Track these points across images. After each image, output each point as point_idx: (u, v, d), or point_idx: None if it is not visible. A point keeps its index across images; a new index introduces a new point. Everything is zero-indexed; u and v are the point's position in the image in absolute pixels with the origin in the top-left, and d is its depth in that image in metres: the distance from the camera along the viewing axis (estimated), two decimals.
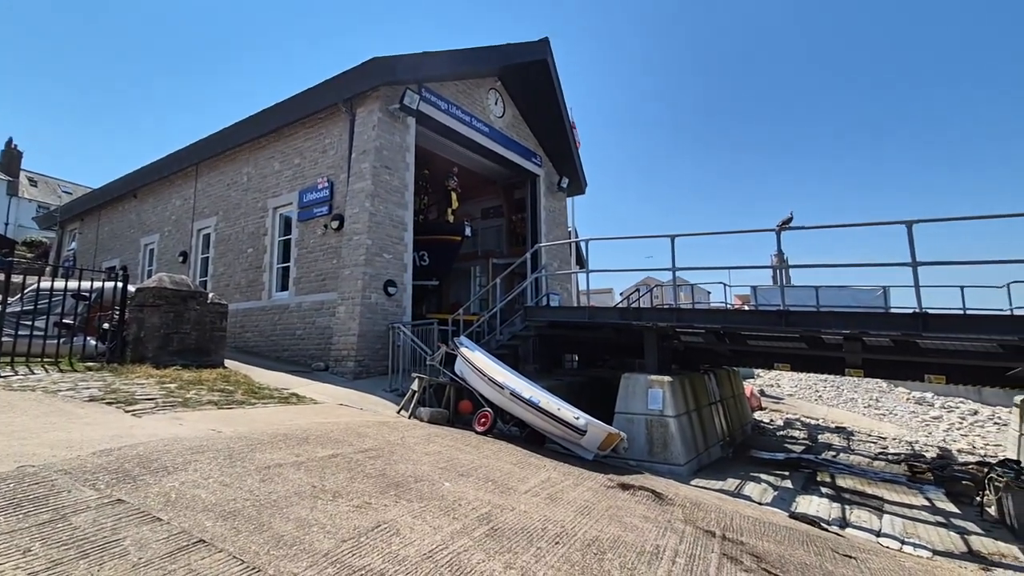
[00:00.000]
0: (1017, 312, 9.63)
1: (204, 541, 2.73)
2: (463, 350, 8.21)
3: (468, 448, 5.95)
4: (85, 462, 3.58)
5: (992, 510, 6.57)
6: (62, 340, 7.98)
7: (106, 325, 8.79)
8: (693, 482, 7.10)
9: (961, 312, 7.71)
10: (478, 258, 17.73)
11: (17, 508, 2.80)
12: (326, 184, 11.50)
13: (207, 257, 14.68)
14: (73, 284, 8.57)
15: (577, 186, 17.32)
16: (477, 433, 7.15)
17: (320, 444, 4.93)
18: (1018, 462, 7.31)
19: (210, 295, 9.84)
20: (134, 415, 5.34)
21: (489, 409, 7.45)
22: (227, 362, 9.73)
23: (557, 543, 3.51)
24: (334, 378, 9.83)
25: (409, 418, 7.49)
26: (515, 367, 9.13)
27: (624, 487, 5.46)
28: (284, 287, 12.36)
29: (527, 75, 14.41)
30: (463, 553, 3.10)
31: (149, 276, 15.26)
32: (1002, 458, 8.64)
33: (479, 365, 7.76)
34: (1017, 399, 9.90)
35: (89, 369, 7.61)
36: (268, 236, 12.83)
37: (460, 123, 12.79)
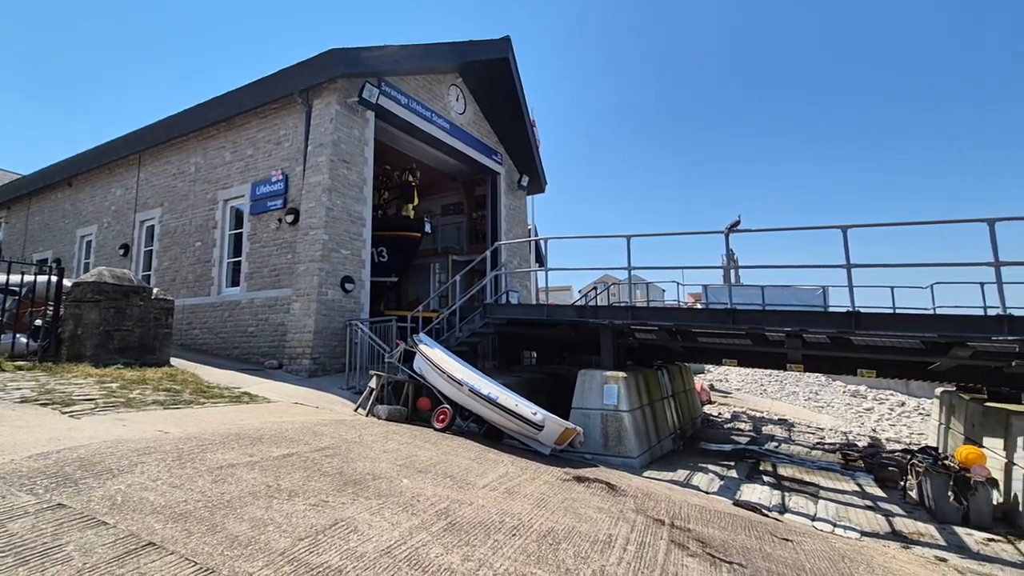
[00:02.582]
0: (939, 311, 10.42)
1: (154, 544, 2.66)
2: (422, 347, 8.20)
3: (426, 445, 5.97)
4: (20, 466, 3.41)
5: (914, 493, 7.12)
6: None
7: (38, 322, 8.28)
8: (645, 474, 7.36)
9: (890, 311, 8.31)
10: (438, 255, 17.64)
11: None
12: (281, 177, 11.19)
13: (151, 250, 14.00)
14: (0, 277, 8.02)
15: (537, 184, 17.48)
16: (436, 430, 7.17)
17: (275, 443, 4.85)
18: (936, 449, 7.96)
19: (155, 290, 9.42)
20: (72, 416, 5.09)
21: (448, 406, 7.48)
22: (174, 360, 9.35)
23: (514, 535, 3.60)
24: (289, 376, 9.61)
25: (367, 416, 7.43)
26: (474, 364, 9.18)
27: (579, 480, 5.62)
28: (235, 283, 11.94)
29: (489, 73, 14.43)
30: (421, 547, 3.14)
31: (87, 270, 14.41)
32: (923, 445, 9.35)
33: (438, 362, 7.77)
34: (938, 391, 10.73)
35: (20, 368, 7.16)
36: (218, 229, 12.36)
37: (421, 119, 12.69)
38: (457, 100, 14.35)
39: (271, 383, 8.78)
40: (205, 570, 2.50)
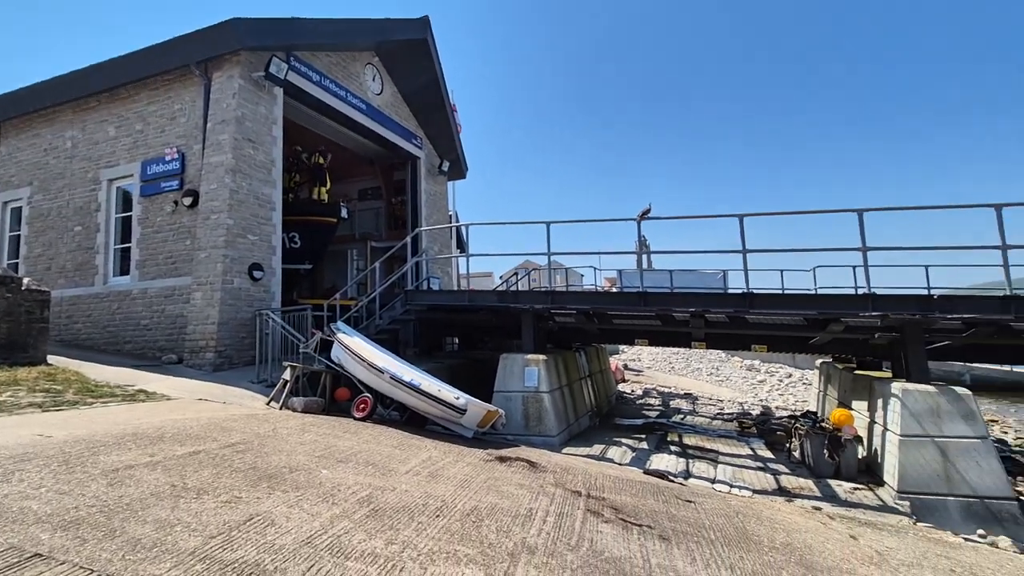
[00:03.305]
0: (820, 291, 11.68)
1: (41, 555, 2.44)
2: (340, 336, 7.95)
3: (346, 435, 5.85)
4: None
5: (797, 454, 8.01)
6: None
7: None
8: (565, 451, 7.68)
9: (778, 292, 9.20)
10: (355, 241, 17.05)
11: None
12: (176, 155, 10.26)
13: (18, 235, 12.35)
14: None
15: (458, 170, 17.36)
16: (356, 419, 7.03)
17: (178, 442, 4.54)
18: (816, 413, 9.00)
19: (25, 280, 8.37)
20: None
21: (368, 395, 7.35)
22: (52, 359, 8.40)
23: (438, 516, 3.65)
24: (191, 371, 8.94)
25: (281, 409, 7.12)
26: (396, 351, 9.04)
27: (502, 460, 5.78)
28: (125, 271, 10.85)
29: (407, 54, 14.04)
30: (343, 535, 3.11)
31: None
32: (805, 411, 10.52)
33: (358, 351, 7.58)
34: (818, 363, 12.09)
35: None
36: (102, 212, 11.13)
37: (334, 97, 12.13)
38: (374, 80, 13.86)
39: (171, 379, 8.14)
40: None
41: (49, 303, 8.62)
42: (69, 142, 11.74)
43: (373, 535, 3.18)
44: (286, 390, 7.37)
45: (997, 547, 5.29)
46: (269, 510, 3.32)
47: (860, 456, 7.27)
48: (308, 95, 11.45)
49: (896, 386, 6.72)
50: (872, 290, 6.84)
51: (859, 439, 7.21)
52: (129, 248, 10.76)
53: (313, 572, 2.63)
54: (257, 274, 9.91)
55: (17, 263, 12.09)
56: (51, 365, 8.02)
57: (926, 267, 10.78)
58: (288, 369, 7.53)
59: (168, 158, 10.33)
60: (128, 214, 10.95)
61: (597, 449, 8.01)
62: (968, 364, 19.14)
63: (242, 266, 9.69)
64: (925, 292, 7.76)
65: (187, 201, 9.91)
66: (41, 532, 2.65)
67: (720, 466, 7.54)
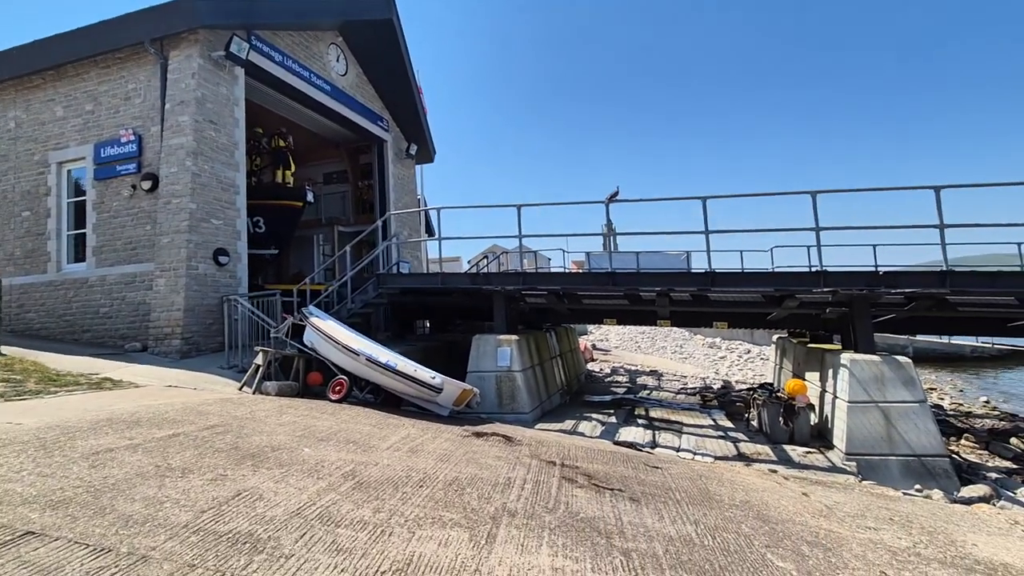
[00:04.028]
0: (779, 270, 12.24)
1: (33, 533, 2.48)
2: (313, 319, 7.94)
3: (324, 416, 5.92)
4: None
5: (755, 423, 8.51)
6: None
7: None
8: (538, 427, 7.94)
9: (738, 271, 9.65)
10: (322, 226, 16.78)
11: None
12: (132, 137, 9.88)
13: None
14: None
15: (426, 153, 17.23)
16: (332, 401, 7.09)
17: (155, 426, 4.53)
18: (772, 385, 9.53)
19: None
20: None
21: (344, 377, 7.40)
22: (5, 348, 8.09)
23: (421, 486, 3.81)
24: (156, 359, 8.76)
25: (254, 393, 7.10)
26: (368, 335, 9.07)
27: (478, 435, 5.96)
28: (80, 258, 10.45)
29: (372, 34, 13.77)
30: (332, 506, 3.24)
31: None
32: (762, 383, 11.11)
33: (332, 334, 7.60)
34: (775, 338, 12.71)
35: None
36: (52, 196, 10.65)
37: (297, 78, 11.84)
38: (338, 60, 13.57)
39: (136, 367, 7.98)
40: (100, 550, 2.40)
41: None
42: (12, 122, 11.13)
43: (360, 505, 3.31)
44: (259, 375, 7.35)
45: (931, 499, 5.82)
46: (256, 486, 3.41)
47: (812, 423, 7.78)
48: (271, 75, 11.16)
49: (845, 357, 7.20)
50: (824, 268, 7.28)
51: (811, 407, 7.71)
52: (84, 234, 10.36)
53: (306, 539, 2.75)
54: (223, 259, 9.72)
55: None
56: (5, 355, 7.74)
57: (874, 246, 11.46)
58: (260, 354, 7.49)
59: (124, 140, 9.93)
60: (81, 199, 10.51)
61: (569, 424, 8.29)
62: (911, 337, 20.41)
63: (207, 251, 9.48)
64: (872, 269, 8.29)
65: (146, 185, 9.59)
66: (29, 512, 2.68)
67: (684, 436, 7.94)
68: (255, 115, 12.19)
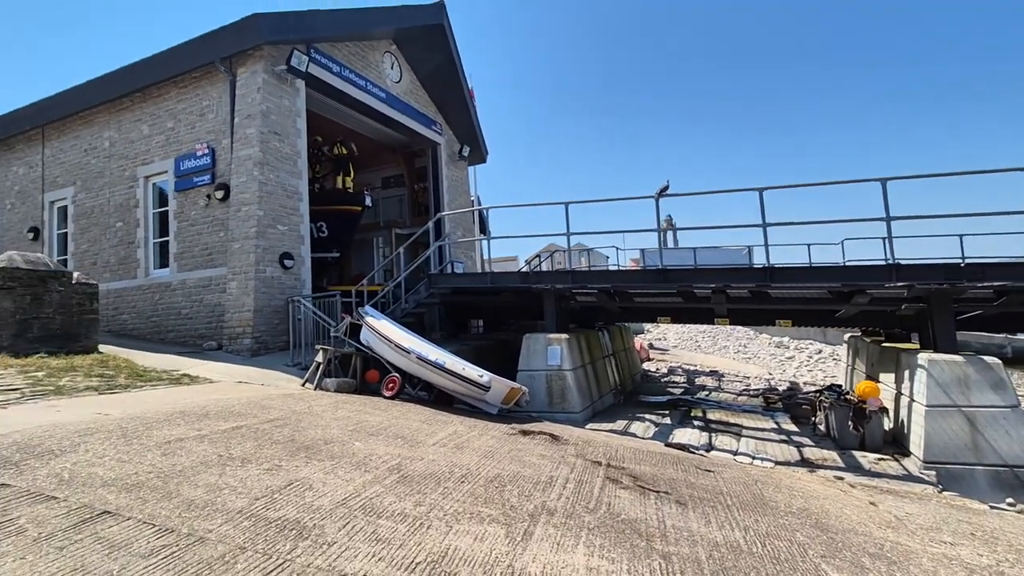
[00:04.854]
0: (850, 264, 11.46)
1: (109, 512, 2.74)
2: (368, 319, 8.26)
3: (377, 411, 6.14)
4: None
5: (822, 427, 8.01)
6: None
7: None
8: (588, 426, 7.86)
9: (802, 265, 9.06)
10: (380, 228, 17.39)
11: None
12: (206, 151, 10.65)
13: (65, 233, 13.04)
14: None
15: (478, 154, 17.45)
16: (385, 398, 7.34)
17: (222, 418, 4.88)
18: (841, 386, 8.93)
19: (75, 275, 8.90)
20: None
21: (397, 374, 7.64)
22: (103, 347, 8.94)
23: (463, 482, 3.88)
24: (230, 357, 9.41)
25: (315, 390, 7.48)
26: (422, 335, 9.32)
27: (525, 433, 5.99)
28: (164, 264, 11.39)
29: (424, 40, 14.12)
30: (375, 498, 3.36)
31: None
32: (829, 384, 10.43)
33: (385, 332, 7.87)
34: (846, 337, 11.91)
35: None
36: (140, 208, 11.67)
37: (355, 87, 12.33)
38: (392, 68, 14.01)
39: (212, 364, 8.60)
40: (164, 530, 2.61)
41: (97, 295, 9.15)
42: (107, 142, 12.29)
43: (403, 498, 3.42)
44: (319, 372, 7.73)
45: None
46: (307, 476, 3.60)
47: (887, 428, 7.23)
48: (329, 86, 11.68)
49: (922, 357, 6.64)
50: (897, 260, 6.74)
51: (885, 410, 7.17)
52: (167, 242, 11.29)
53: (348, 529, 2.87)
54: (288, 263, 10.30)
55: (66, 259, 12.79)
56: (102, 353, 8.55)
57: (960, 236, 10.46)
58: (320, 352, 7.88)
59: (199, 153, 10.73)
60: (164, 209, 11.45)
61: (620, 424, 8.15)
62: (1010, 336, 18.51)
63: (273, 255, 10.08)
64: (953, 261, 7.57)
65: (219, 194, 10.32)
66: (107, 493, 2.96)
67: (743, 439, 7.61)
68: (316, 124, 12.81)
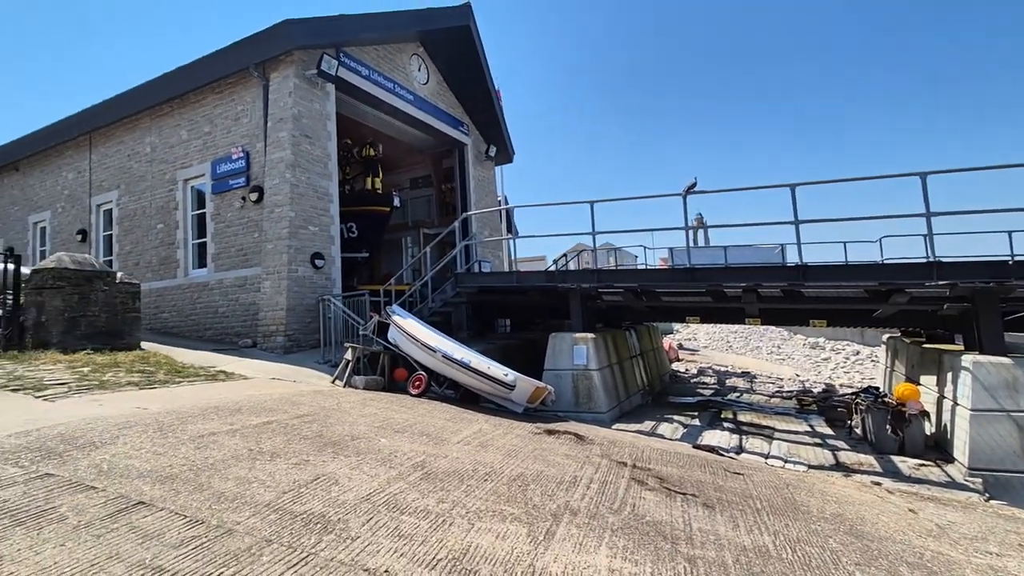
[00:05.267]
0: (886, 262, 11.03)
1: (144, 503, 2.85)
2: (396, 318, 8.36)
3: (403, 409, 6.21)
4: (2, 444, 3.52)
5: (858, 430, 7.73)
6: None
7: None
8: (615, 426, 7.78)
9: (837, 263, 8.76)
10: (408, 228, 17.61)
11: None
12: (241, 154, 10.98)
13: (110, 235, 13.64)
14: None
15: (505, 154, 17.47)
16: (412, 396, 7.42)
17: (254, 413, 5.01)
18: (878, 389, 8.59)
19: (119, 274, 9.29)
20: (46, 400, 5.13)
21: (423, 372, 7.72)
22: (144, 344, 9.31)
23: (486, 480, 3.89)
24: (263, 354, 9.67)
25: (344, 387, 7.61)
26: (449, 334, 9.39)
27: (550, 432, 5.96)
28: (202, 264, 11.79)
29: (450, 41, 14.21)
30: (399, 494, 3.40)
31: (43, 257, 13.97)
32: (866, 386, 10.03)
33: (412, 331, 7.96)
34: (885, 338, 11.45)
35: None
36: (180, 210, 12.11)
37: (383, 90, 12.51)
38: (419, 70, 14.15)
39: (247, 361, 8.85)
40: (195, 521, 2.70)
41: (139, 295, 9.53)
42: (148, 147, 12.79)
43: (426, 495, 3.45)
44: (348, 369, 7.87)
45: None
46: (333, 471, 3.66)
47: (928, 432, 6.93)
48: (358, 89, 11.88)
49: (967, 359, 6.33)
50: (938, 258, 6.44)
51: (926, 414, 6.87)
52: (205, 243, 11.68)
53: (372, 523, 2.91)
54: (319, 263, 10.52)
55: (111, 260, 13.38)
56: (144, 350, 8.90)
57: (1009, 232, 9.92)
58: (349, 350, 8.02)
59: (235, 157, 11.07)
60: (202, 211, 11.85)
61: (648, 425, 8.04)
62: None
63: (305, 255, 10.31)
64: (1000, 258, 7.18)
65: (253, 196, 10.62)
66: (143, 484, 3.08)
67: (775, 442, 7.40)
68: (345, 127, 13.04)
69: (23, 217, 15.97)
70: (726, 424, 8.54)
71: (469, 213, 14.11)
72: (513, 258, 17.53)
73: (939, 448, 6.82)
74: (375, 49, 12.49)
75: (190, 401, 5.35)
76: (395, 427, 5.21)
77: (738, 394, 11.87)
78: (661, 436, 7.36)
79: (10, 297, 8.10)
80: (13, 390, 5.44)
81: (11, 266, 8.13)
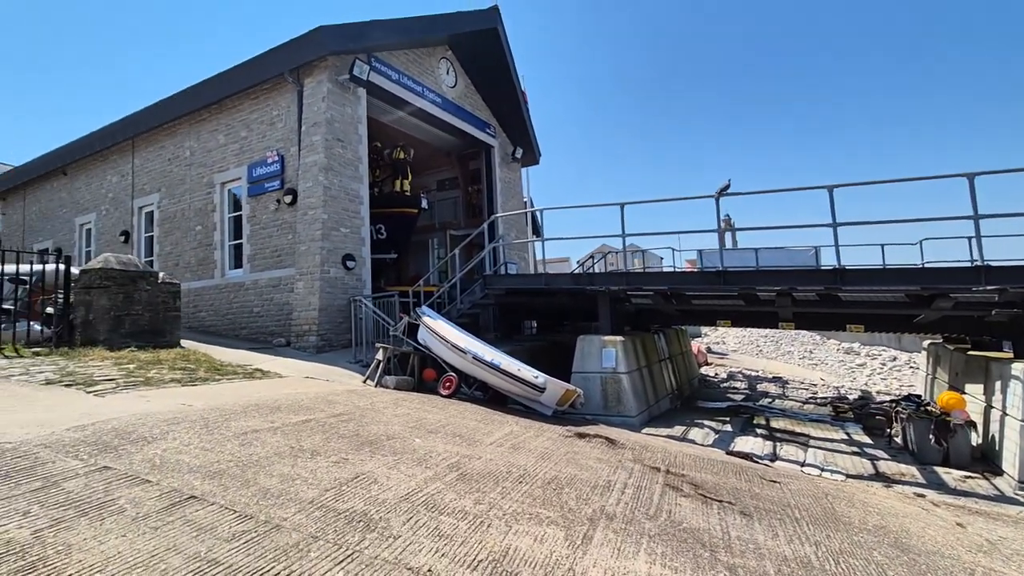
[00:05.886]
0: (928, 266, 10.66)
1: (195, 497, 2.95)
2: (425, 319, 8.46)
3: (435, 410, 6.28)
4: (62, 437, 3.69)
5: (899, 439, 7.49)
6: (2, 326, 7.71)
7: (50, 309, 8.51)
8: (644, 431, 7.71)
9: (876, 267, 8.54)
10: (436, 230, 17.78)
11: (6, 479, 2.93)
12: (276, 158, 11.26)
13: (151, 236, 14.14)
14: (7, 268, 8.22)
15: (531, 156, 17.50)
16: (442, 396, 7.49)
17: (292, 412, 5.14)
18: (920, 396, 8.31)
19: (160, 275, 9.62)
20: (97, 395, 5.35)
21: (453, 374, 7.78)
22: (184, 342, 9.61)
23: (521, 482, 3.91)
24: (297, 353, 9.89)
25: (375, 387, 7.73)
26: (476, 335, 9.45)
27: (581, 436, 5.95)
28: (238, 264, 12.13)
29: (478, 44, 14.32)
30: (436, 494, 3.45)
31: (88, 257, 14.58)
32: (907, 394, 9.73)
33: (441, 332, 8.04)
34: (925, 344, 11.07)
35: (37, 355, 7.41)
36: (217, 213, 12.48)
37: (412, 93, 12.68)
38: (448, 73, 14.28)
39: (281, 360, 9.07)
40: (244, 516, 2.79)
41: (180, 294, 9.86)
42: (187, 151, 13.22)
43: (462, 495, 3.49)
44: (379, 370, 7.99)
45: None
46: (372, 470, 3.73)
47: (974, 443, 6.68)
48: (388, 92, 12.06)
49: (1018, 367, 6.08)
50: (986, 262, 6.20)
51: (972, 424, 6.62)
52: (241, 244, 12.01)
53: (412, 523, 2.96)
54: (350, 263, 10.72)
55: (152, 260, 13.87)
56: (184, 348, 9.20)
57: None
58: (380, 350, 8.15)
59: (270, 160, 11.36)
60: (238, 213, 12.19)
61: (678, 430, 7.95)
62: None
63: (336, 257, 10.52)
64: None
65: (287, 199, 10.88)
66: (193, 479, 3.19)
67: (811, 450, 7.23)
68: (375, 130, 13.25)
69: (70, 219, 16.68)
70: (759, 430, 8.38)
71: (497, 215, 14.18)
72: (539, 259, 17.53)
73: (986, 460, 6.57)
74: (404, 53, 12.66)
75: (231, 398, 5.52)
76: (428, 428, 5.27)
77: (770, 400, 11.63)
78: (692, 441, 7.27)
79: (61, 296, 8.47)
80: (66, 385, 5.70)
81: (62, 267, 8.51)
